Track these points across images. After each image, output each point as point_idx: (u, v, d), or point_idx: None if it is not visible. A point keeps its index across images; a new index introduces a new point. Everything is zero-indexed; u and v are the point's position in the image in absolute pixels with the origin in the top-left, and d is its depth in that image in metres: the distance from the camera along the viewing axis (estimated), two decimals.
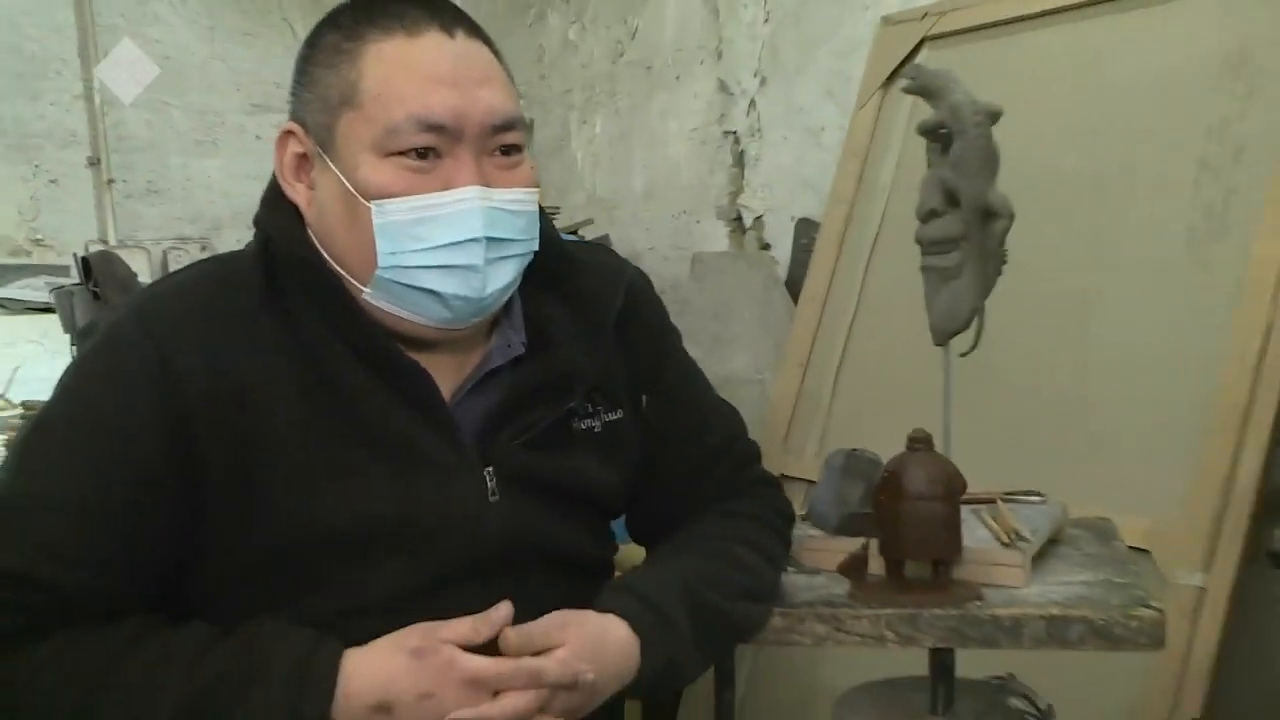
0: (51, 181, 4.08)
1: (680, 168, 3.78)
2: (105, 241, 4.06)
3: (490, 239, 1.22)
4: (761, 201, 3.55)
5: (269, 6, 4.38)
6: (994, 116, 1.50)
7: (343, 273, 1.25)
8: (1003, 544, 1.53)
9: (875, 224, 2.91)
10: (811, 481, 2.78)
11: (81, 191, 4.12)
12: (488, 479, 1.27)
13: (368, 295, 1.24)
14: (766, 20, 3.49)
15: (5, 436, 3.60)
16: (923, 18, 2.94)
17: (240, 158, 4.39)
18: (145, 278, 3.93)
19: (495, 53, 1.28)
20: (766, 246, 3.48)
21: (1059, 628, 1.41)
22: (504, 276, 1.25)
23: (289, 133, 1.26)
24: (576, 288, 1.38)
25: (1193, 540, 2.06)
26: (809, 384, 2.95)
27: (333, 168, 1.22)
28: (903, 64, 2.94)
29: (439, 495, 1.24)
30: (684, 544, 1.41)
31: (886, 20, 3.05)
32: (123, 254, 3.52)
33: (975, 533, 1.55)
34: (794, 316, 3.10)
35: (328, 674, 1.13)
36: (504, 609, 1.17)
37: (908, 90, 1.56)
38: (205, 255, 4.19)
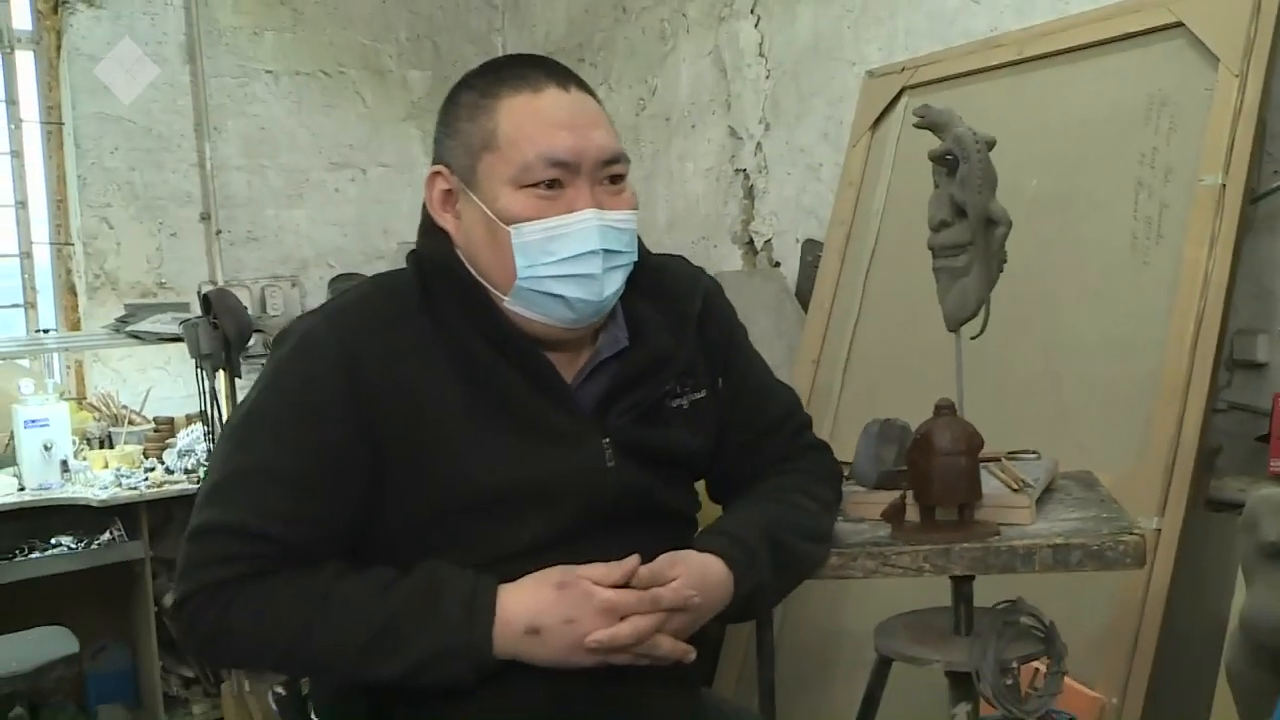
0: (172, 235, 4.18)
1: (698, 201, 3.83)
2: (214, 282, 4.16)
3: (606, 250, 1.31)
4: (770, 227, 3.60)
5: (344, 84, 4.47)
6: (991, 144, 1.61)
7: (486, 285, 1.34)
8: (1013, 490, 1.62)
9: (871, 241, 2.97)
10: None
11: (196, 242, 4.22)
12: (605, 448, 1.35)
13: (507, 303, 1.33)
14: (768, 77, 3.55)
15: (142, 445, 3.70)
16: (901, 71, 3.02)
17: (322, 208, 4.47)
18: (252, 310, 4.03)
19: (599, 102, 1.37)
20: (777, 264, 3.54)
21: (1063, 554, 1.50)
22: (615, 283, 1.34)
23: (437, 173, 1.36)
24: (664, 291, 1.45)
25: (1148, 490, 2.13)
26: (820, 378, 3.00)
27: (476, 200, 1.32)
28: (887, 109, 3.02)
29: (567, 461, 1.32)
30: (759, 496, 1.49)
31: (871, 74, 3.12)
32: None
33: (989, 483, 1.63)
34: (804, 322, 3.14)
35: (488, 605, 1.23)
36: (633, 560, 1.27)
37: (918, 125, 1.66)
38: (294, 290, 4.31)
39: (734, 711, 1.64)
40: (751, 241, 3.68)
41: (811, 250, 3.33)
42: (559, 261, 1.29)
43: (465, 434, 1.29)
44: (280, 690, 1.32)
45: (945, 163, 1.62)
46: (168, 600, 1.30)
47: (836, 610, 2.74)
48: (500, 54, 4.60)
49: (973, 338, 1.70)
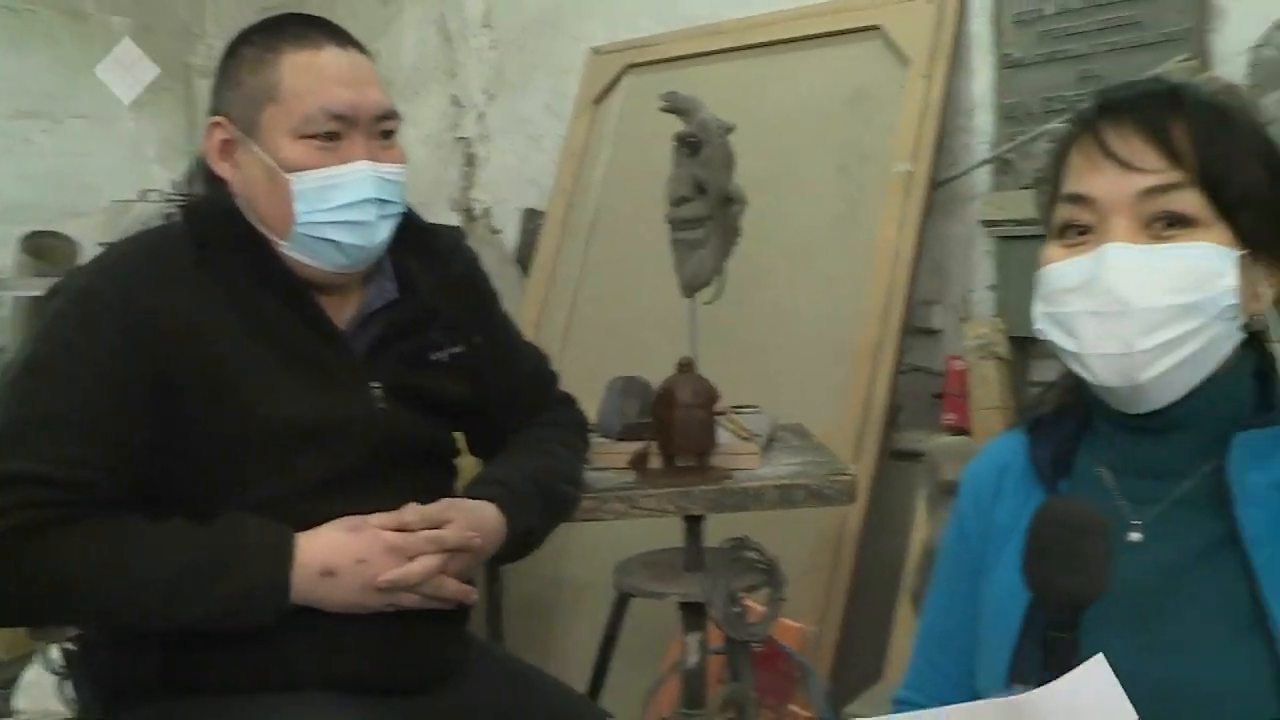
0: None
1: (419, 168, 3.80)
2: None
3: (379, 200, 1.39)
4: (490, 195, 3.66)
5: (33, 23, 4.14)
6: (730, 130, 1.78)
7: (264, 231, 1.40)
8: (742, 439, 1.81)
9: (592, 212, 3.10)
10: None
11: None
12: (375, 391, 1.43)
13: (284, 248, 1.40)
14: (493, 47, 3.60)
15: None
16: (624, 50, 3.17)
17: (7, 159, 4.12)
18: None
19: (372, 62, 1.47)
20: (497, 232, 3.61)
21: (788, 493, 1.70)
22: (385, 231, 1.43)
23: (216, 124, 1.42)
24: (432, 250, 1.56)
25: (845, 441, 2.38)
26: (542, 342, 3.00)
27: (256, 149, 1.38)
28: (610, 86, 3.18)
29: (341, 402, 1.40)
30: (521, 447, 1.62)
31: (595, 50, 3.25)
32: None
33: (720, 434, 1.81)
34: (525, 288, 3.23)
35: (288, 547, 1.30)
36: (411, 506, 1.37)
37: (665, 109, 1.81)
38: None
39: (496, 650, 1.75)
40: (471, 209, 3.73)
41: (532, 219, 3.43)
42: (336, 209, 1.37)
43: (244, 374, 1.35)
44: (70, 645, 1.31)
45: (689, 144, 1.78)
46: None
47: (573, 556, 2.86)
48: (210, 7, 4.44)
49: (706, 303, 1.88)
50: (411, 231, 1.51)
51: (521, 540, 1.50)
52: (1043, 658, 0.90)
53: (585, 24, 3.36)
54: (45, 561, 1.24)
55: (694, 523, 1.83)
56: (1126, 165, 0.94)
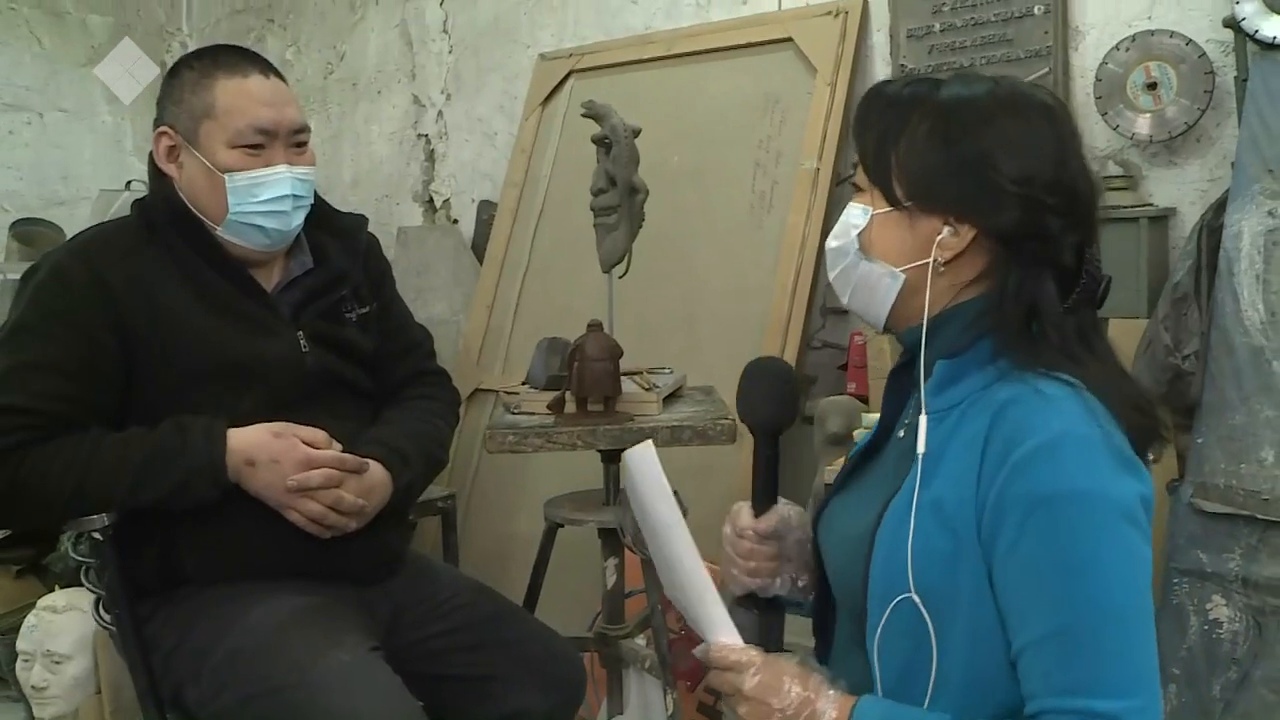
0: None
1: (382, 162, 4.13)
2: None
3: (294, 195, 1.76)
4: (449, 188, 3.98)
5: (15, 21, 4.39)
6: (636, 132, 2.14)
7: (204, 219, 1.76)
8: (645, 390, 2.17)
9: (540, 202, 3.43)
10: (502, 391, 3.33)
11: None
12: (300, 338, 1.80)
13: (220, 232, 1.76)
14: (451, 52, 3.92)
15: None
16: (570, 56, 3.50)
17: None
18: None
19: (288, 85, 1.83)
20: (455, 221, 3.92)
21: (678, 433, 2.01)
22: (299, 218, 1.80)
23: (163, 132, 1.77)
24: (341, 228, 1.93)
25: None
26: (494, 321, 3.43)
27: (197, 154, 1.74)
28: (556, 89, 3.50)
29: (273, 347, 1.77)
30: (404, 413, 1.94)
31: (543, 56, 3.58)
32: None
33: (629, 387, 2.13)
34: (479, 272, 3.57)
35: (221, 435, 1.67)
36: (335, 444, 1.74)
37: (585, 115, 2.16)
38: None
39: (434, 561, 2.10)
40: (431, 200, 4.05)
41: (486, 209, 3.75)
42: (261, 202, 1.74)
43: (193, 324, 1.71)
44: (97, 536, 1.65)
45: (603, 144, 2.15)
46: None
47: (506, 515, 3.22)
48: (186, 7, 4.73)
49: (620, 277, 2.23)
50: (323, 215, 1.89)
51: (405, 492, 1.84)
52: (754, 471, 1.30)
53: (535, 32, 3.69)
54: (34, 468, 1.61)
55: (610, 462, 2.19)
56: None
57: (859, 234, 1.22)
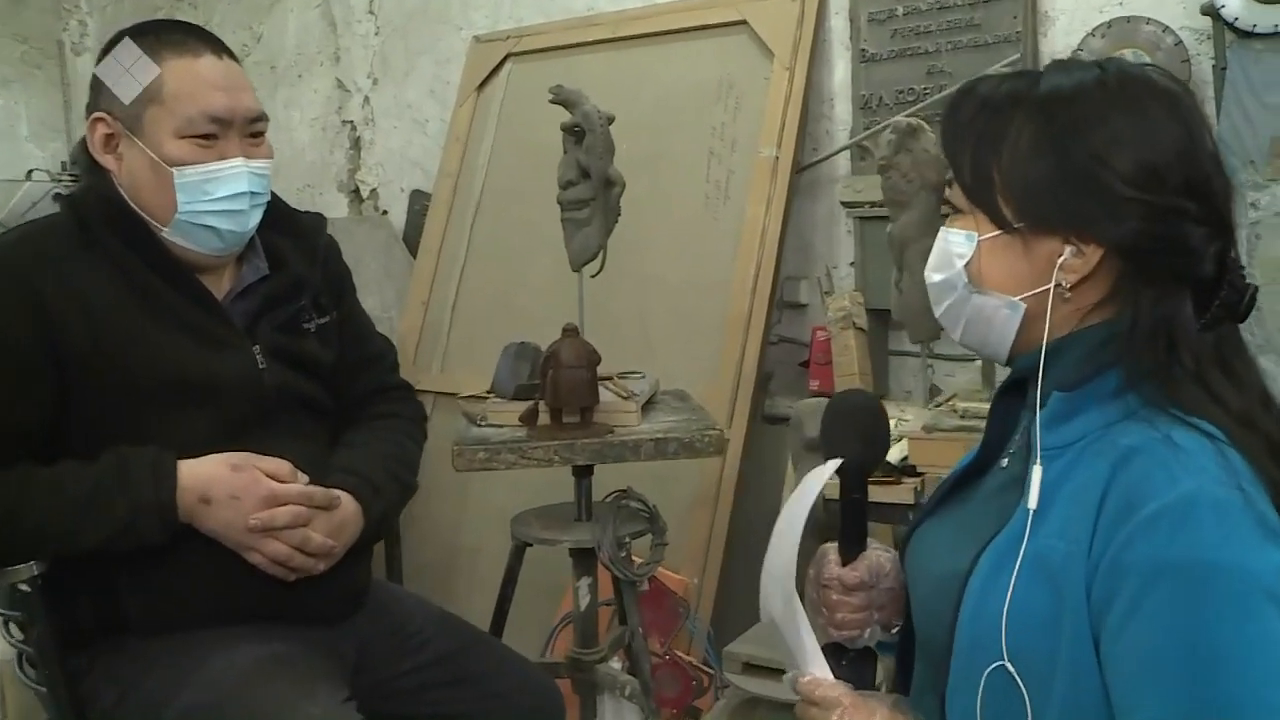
0: None
1: (304, 150, 3.90)
2: None
3: (251, 192, 1.55)
4: (376, 177, 3.77)
5: None
6: (611, 120, 1.98)
7: (147, 218, 1.54)
8: (622, 398, 2.02)
9: (477, 193, 3.25)
10: (438, 393, 3.17)
11: None
12: (256, 353, 1.59)
13: (166, 233, 1.55)
14: (378, 34, 3.70)
15: None
16: (507, 39, 3.31)
17: None
18: None
19: (242, 68, 1.63)
20: (384, 213, 3.72)
21: (662, 446, 1.88)
22: (256, 217, 1.59)
23: (99, 119, 1.54)
24: (297, 229, 1.72)
25: (719, 406, 2.57)
26: (430, 317, 3.25)
27: (140, 144, 1.52)
28: (493, 73, 3.32)
29: (227, 363, 1.56)
30: (371, 435, 1.75)
31: (478, 39, 3.39)
32: None
33: (604, 394, 1.98)
34: (413, 266, 3.38)
35: (170, 469, 1.46)
36: (302, 476, 1.54)
37: (554, 101, 1.99)
38: None
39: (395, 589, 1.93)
40: (358, 190, 3.83)
41: (419, 200, 3.56)
42: (215, 200, 1.53)
43: (136, 340, 1.50)
44: (25, 587, 1.43)
45: (574, 133, 1.98)
46: None
47: (453, 529, 3.05)
48: None
49: (593, 276, 2.07)
50: (279, 215, 1.68)
51: (378, 523, 1.66)
52: (841, 515, 1.15)
53: (468, 13, 3.49)
54: None
55: (582, 477, 2.03)
56: None
57: (965, 264, 1.07)
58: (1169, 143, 0.99)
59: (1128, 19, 2.44)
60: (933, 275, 1.11)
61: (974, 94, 1.08)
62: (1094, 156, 0.99)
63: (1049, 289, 1.03)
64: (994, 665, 0.96)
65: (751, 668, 2.13)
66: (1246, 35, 2.27)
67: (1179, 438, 0.95)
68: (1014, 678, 0.96)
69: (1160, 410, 0.97)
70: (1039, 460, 1.01)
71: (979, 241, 1.06)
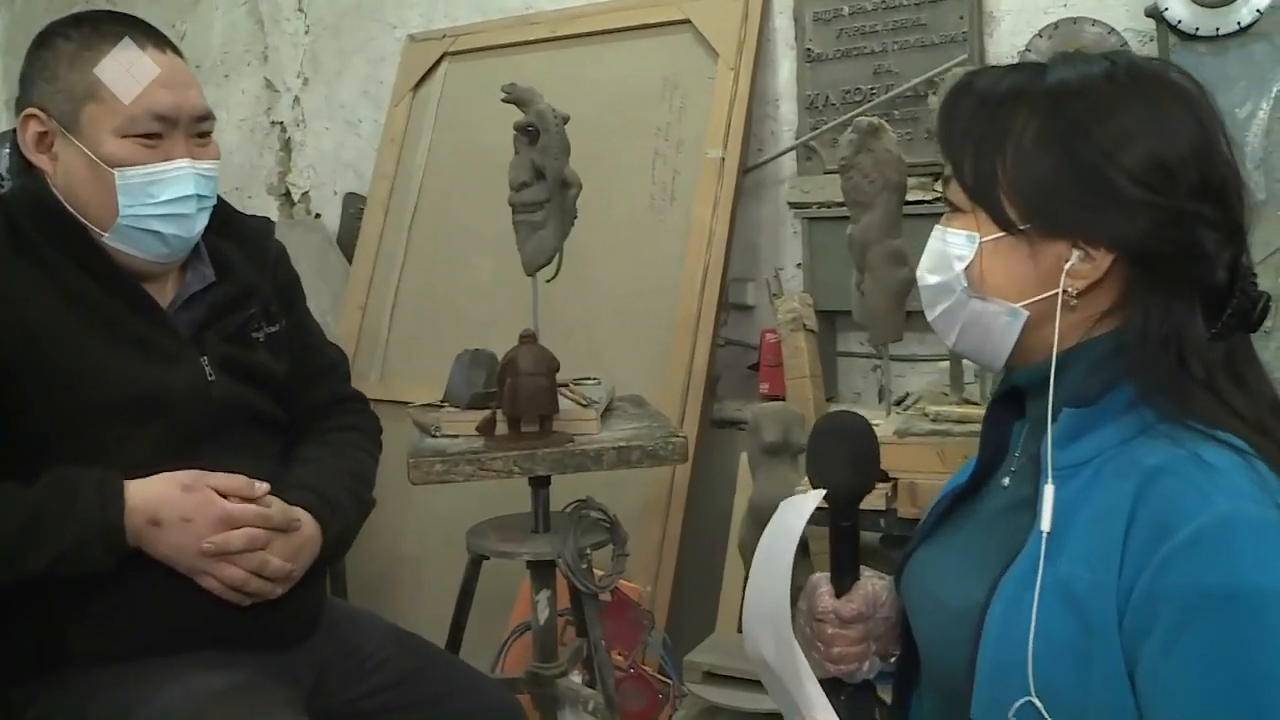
0: None
1: (232, 152, 3.75)
2: None
3: (198, 195, 1.46)
4: (308, 180, 3.66)
5: None
6: (566, 119, 1.92)
7: (85, 223, 1.45)
8: (582, 406, 1.96)
9: (414, 195, 3.17)
10: (376, 400, 3.06)
11: None
12: (204, 365, 1.50)
13: (107, 239, 1.45)
14: (308, 32, 3.60)
15: None
16: (443, 38, 3.23)
17: None
18: None
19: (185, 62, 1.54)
20: (317, 216, 3.62)
21: (625, 454, 1.83)
22: (203, 221, 1.50)
23: (32, 115, 1.44)
24: (244, 235, 1.63)
25: (669, 410, 2.51)
26: (368, 322, 3.16)
27: (77, 143, 1.42)
28: (429, 73, 3.24)
29: (173, 375, 1.46)
30: (326, 450, 1.66)
31: (412, 38, 3.31)
32: None
33: (562, 402, 1.92)
34: (348, 271, 3.28)
35: (117, 491, 1.36)
36: (261, 484, 1.45)
37: (506, 100, 1.92)
38: None
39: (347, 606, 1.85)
40: (289, 193, 3.73)
41: (354, 203, 3.46)
42: (159, 203, 1.44)
43: (73, 355, 1.40)
44: None
45: (527, 133, 1.91)
46: None
47: (394, 538, 2.95)
48: None
49: (548, 280, 2.01)
50: (225, 219, 1.59)
51: (338, 541, 1.57)
52: (831, 544, 1.09)
53: (402, 12, 3.41)
54: None
55: (540, 487, 1.97)
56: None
57: (965, 267, 1.02)
58: (1183, 140, 0.95)
59: (1074, 20, 2.45)
60: (928, 277, 1.07)
61: (971, 89, 1.03)
62: (1103, 153, 0.95)
63: (1054, 296, 0.98)
64: (1021, 701, 0.92)
65: (712, 676, 2.08)
66: (1189, 38, 2.27)
67: (1208, 455, 0.91)
68: (1043, 715, 0.91)
69: (1179, 425, 0.94)
70: (1051, 480, 0.96)
71: (981, 243, 1.01)
